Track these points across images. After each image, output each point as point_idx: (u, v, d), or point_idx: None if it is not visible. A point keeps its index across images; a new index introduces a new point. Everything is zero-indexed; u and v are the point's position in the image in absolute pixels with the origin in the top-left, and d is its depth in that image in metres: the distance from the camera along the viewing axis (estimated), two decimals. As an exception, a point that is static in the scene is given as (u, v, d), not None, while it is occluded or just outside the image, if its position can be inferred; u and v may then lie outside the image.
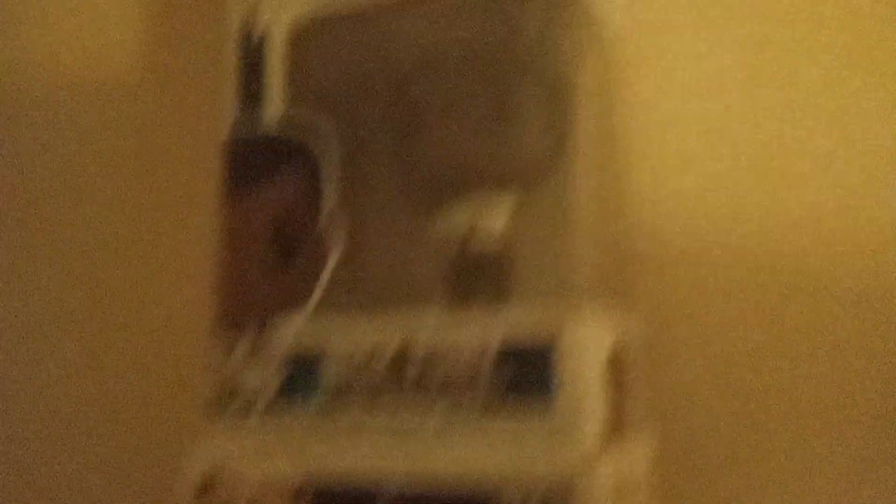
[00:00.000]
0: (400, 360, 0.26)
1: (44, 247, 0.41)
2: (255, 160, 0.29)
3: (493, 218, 0.28)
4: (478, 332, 0.25)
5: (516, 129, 0.28)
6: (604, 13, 0.29)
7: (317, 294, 0.27)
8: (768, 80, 0.32)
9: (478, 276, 0.28)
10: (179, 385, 0.37)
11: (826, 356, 0.29)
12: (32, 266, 0.41)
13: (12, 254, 0.42)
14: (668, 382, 0.30)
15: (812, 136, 0.31)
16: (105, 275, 0.40)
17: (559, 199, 0.26)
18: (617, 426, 0.25)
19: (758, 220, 0.31)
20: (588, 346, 0.24)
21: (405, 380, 0.25)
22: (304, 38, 0.30)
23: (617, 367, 0.26)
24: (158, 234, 0.38)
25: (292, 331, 0.27)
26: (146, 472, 0.36)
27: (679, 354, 0.30)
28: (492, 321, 0.25)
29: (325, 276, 0.27)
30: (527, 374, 0.24)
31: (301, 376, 0.27)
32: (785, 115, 0.31)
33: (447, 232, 0.29)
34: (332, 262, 0.28)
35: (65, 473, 0.38)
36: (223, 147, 0.30)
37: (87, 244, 0.40)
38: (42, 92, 0.43)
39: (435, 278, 0.28)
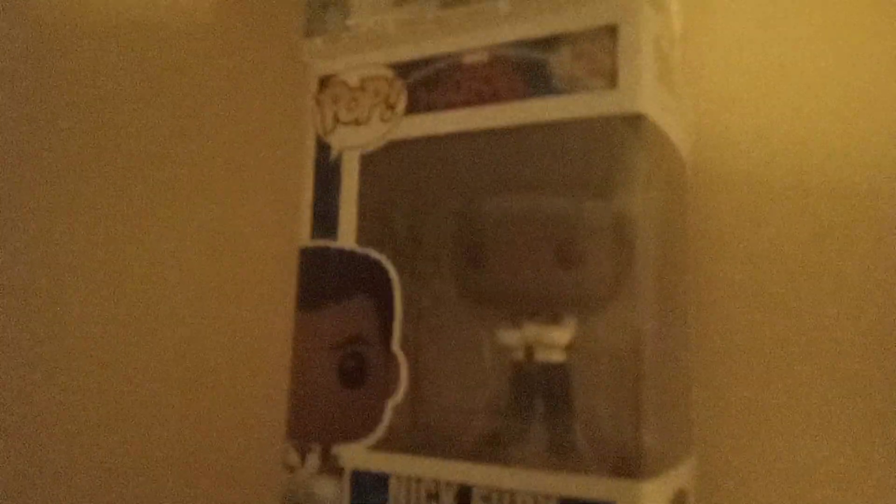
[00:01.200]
0: (465, 497, 0.25)
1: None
2: (332, 273, 0.29)
3: (556, 336, 0.28)
4: (544, 483, 0.24)
5: (579, 265, 0.27)
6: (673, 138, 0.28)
7: (385, 419, 0.26)
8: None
9: (540, 389, 0.28)
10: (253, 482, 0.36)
11: None
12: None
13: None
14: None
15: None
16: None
17: (620, 326, 0.26)
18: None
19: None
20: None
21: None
22: (375, 164, 0.29)
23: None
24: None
25: (361, 452, 0.27)
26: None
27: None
28: (558, 476, 0.24)
29: (395, 401, 0.26)
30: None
31: (370, 495, 0.26)
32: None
33: (511, 347, 0.28)
34: (401, 389, 0.26)
35: None
36: (300, 255, 0.29)
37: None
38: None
39: (499, 392, 0.28)
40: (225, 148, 0.40)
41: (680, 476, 0.27)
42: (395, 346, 0.27)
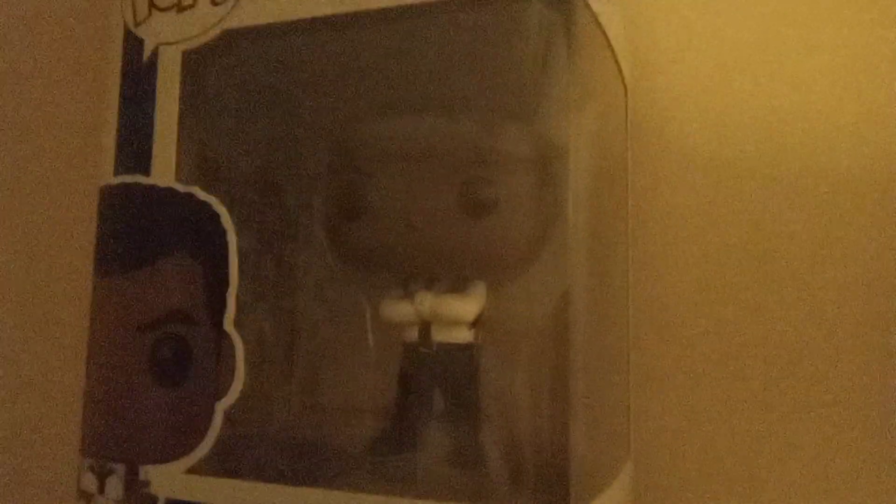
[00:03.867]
0: None
1: None
2: (141, 223, 0.20)
3: (460, 309, 0.20)
4: None
5: (494, 210, 0.20)
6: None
7: (213, 429, 0.18)
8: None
9: (439, 377, 0.20)
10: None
11: None
12: None
13: None
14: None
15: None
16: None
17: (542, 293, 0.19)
18: None
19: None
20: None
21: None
22: (205, 66, 0.20)
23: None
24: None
25: (179, 476, 0.18)
26: None
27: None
28: None
29: (226, 402, 0.18)
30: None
31: None
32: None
33: (401, 324, 0.20)
34: (236, 386, 0.18)
35: None
36: (100, 196, 0.21)
37: None
38: None
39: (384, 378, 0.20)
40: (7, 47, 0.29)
41: (617, 490, 0.20)
42: (229, 324, 0.19)
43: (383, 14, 0.18)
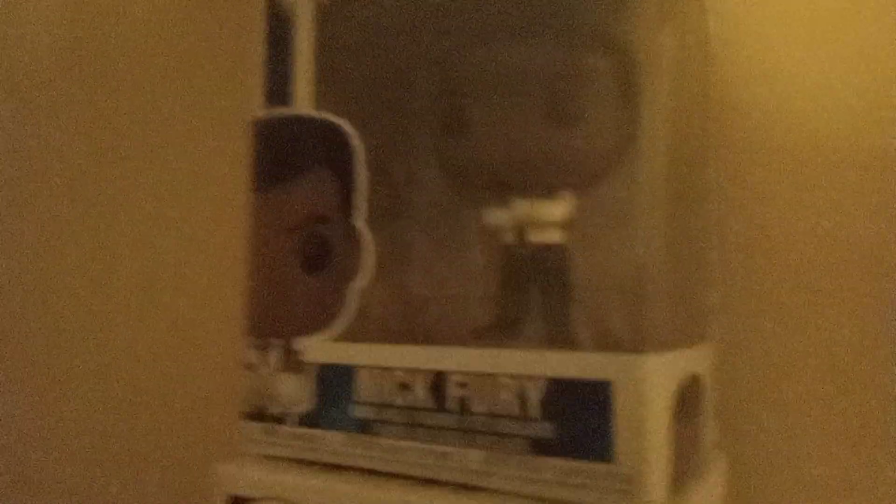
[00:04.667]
0: (440, 385, 0.21)
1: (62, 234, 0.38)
2: (286, 146, 0.25)
3: (551, 213, 0.23)
4: (529, 364, 0.20)
5: (578, 123, 0.23)
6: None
7: (350, 306, 0.23)
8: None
9: (534, 273, 0.23)
10: (214, 385, 0.33)
11: None
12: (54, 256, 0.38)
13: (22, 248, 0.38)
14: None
15: None
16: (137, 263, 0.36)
17: (624, 201, 0.22)
18: (685, 468, 0.21)
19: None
20: (653, 384, 0.19)
21: (446, 406, 0.21)
22: (334, 15, 0.25)
23: (686, 402, 0.21)
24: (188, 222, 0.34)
25: (325, 344, 0.23)
26: (179, 476, 0.33)
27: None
28: (544, 355, 0.20)
29: (359, 284, 0.23)
30: (582, 412, 0.19)
31: (336, 389, 0.23)
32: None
33: (500, 228, 0.24)
34: (366, 271, 0.22)
35: (92, 477, 0.36)
36: (251, 128, 0.25)
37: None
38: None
39: (487, 275, 0.24)
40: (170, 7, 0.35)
41: (693, 360, 0.23)
42: (359, 221, 0.23)
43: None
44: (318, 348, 0.23)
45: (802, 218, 0.28)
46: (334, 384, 0.23)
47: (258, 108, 0.26)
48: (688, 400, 0.22)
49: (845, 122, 0.28)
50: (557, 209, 0.25)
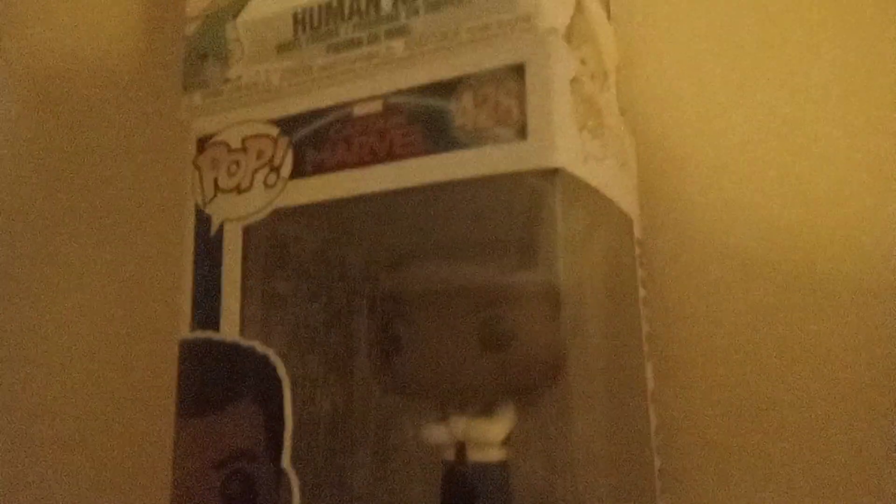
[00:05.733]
0: None
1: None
2: (213, 372, 0.24)
3: (489, 432, 0.23)
4: None
5: (508, 341, 0.22)
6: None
7: None
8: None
9: (475, 492, 0.23)
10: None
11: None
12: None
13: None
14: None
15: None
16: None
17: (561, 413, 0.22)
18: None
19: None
20: None
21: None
22: (260, 236, 0.25)
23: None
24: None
25: None
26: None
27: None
28: None
29: None
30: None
31: None
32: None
33: (439, 446, 0.23)
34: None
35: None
36: (179, 349, 0.25)
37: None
38: None
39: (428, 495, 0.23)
40: (98, 219, 0.35)
41: None
42: (286, 462, 0.22)
43: (413, 190, 0.22)
44: None
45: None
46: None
47: (185, 329, 0.25)
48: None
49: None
50: (495, 428, 0.24)
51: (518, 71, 0.20)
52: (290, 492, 0.22)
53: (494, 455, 0.24)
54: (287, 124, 0.24)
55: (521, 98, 0.20)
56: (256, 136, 0.25)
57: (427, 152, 0.21)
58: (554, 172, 0.20)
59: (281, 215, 0.24)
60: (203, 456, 0.23)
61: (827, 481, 0.26)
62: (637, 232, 0.28)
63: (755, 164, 0.29)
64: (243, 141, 0.25)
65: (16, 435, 0.36)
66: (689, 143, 0.31)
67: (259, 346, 0.23)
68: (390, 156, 0.22)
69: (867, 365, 0.27)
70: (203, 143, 0.26)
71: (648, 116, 0.31)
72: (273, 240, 0.25)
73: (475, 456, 0.24)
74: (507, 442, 0.25)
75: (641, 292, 0.29)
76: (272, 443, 0.22)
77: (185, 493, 0.23)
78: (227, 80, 0.25)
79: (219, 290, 0.24)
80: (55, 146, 0.38)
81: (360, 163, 0.22)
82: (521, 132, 0.20)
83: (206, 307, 0.24)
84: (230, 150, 0.25)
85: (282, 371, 0.23)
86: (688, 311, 0.30)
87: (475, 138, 0.20)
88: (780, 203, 0.29)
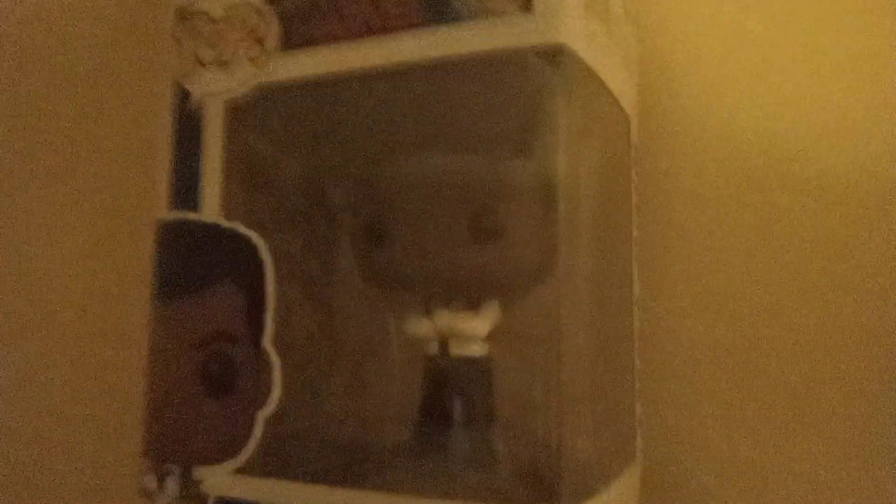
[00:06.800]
0: None
1: None
2: (192, 255, 0.23)
3: (473, 327, 0.23)
4: None
5: (500, 238, 0.22)
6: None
7: (256, 435, 0.21)
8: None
9: (457, 386, 0.23)
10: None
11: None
12: None
13: None
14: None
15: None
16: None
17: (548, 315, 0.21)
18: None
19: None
20: None
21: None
22: (246, 116, 0.23)
23: None
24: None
25: (228, 476, 0.21)
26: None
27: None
28: None
29: (267, 412, 0.21)
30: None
31: None
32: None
33: (422, 339, 0.23)
34: (274, 398, 0.21)
35: None
36: (155, 231, 0.23)
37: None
38: None
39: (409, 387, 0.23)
40: (69, 95, 0.33)
41: (618, 494, 0.22)
42: (267, 342, 0.21)
43: (404, 67, 0.20)
44: (220, 480, 0.21)
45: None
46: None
47: (163, 209, 0.24)
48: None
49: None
50: (480, 323, 0.24)
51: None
52: (270, 373, 0.21)
53: (477, 350, 0.24)
54: (273, -6, 0.22)
55: (528, -33, 0.18)
56: (240, 5, 0.23)
57: (424, 24, 0.20)
58: (558, 51, 0.19)
59: (266, 92, 0.22)
60: (181, 337, 0.23)
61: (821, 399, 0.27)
62: (634, 134, 0.27)
63: (761, 77, 0.29)
64: (227, 10, 0.23)
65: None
66: (693, 45, 0.29)
67: (241, 227, 0.22)
68: (385, 28, 0.20)
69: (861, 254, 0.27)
70: (182, 13, 0.24)
71: (651, 17, 0.30)
72: (257, 118, 0.23)
73: (458, 350, 0.24)
74: (490, 337, 0.24)
75: (634, 198, 0.28)
76: (254, 324, 0.22)
77: (162, 375, 0.23)
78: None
79: (198, 169, 0.23)
80: (28, 12, 0.35)
81: (352, 35, 0.21)
82: (526, 4, 0.18)
83: (186, 187, 0.23)
84: (212, 19, 0.23)
85: (264, 254, 0.22)
86: (677, 219, 0.29)
87: (476, 10, 0.19)
88: (785, 119, 0.28)
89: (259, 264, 0.22)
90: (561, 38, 0.18)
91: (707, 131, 0.29)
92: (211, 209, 0.23)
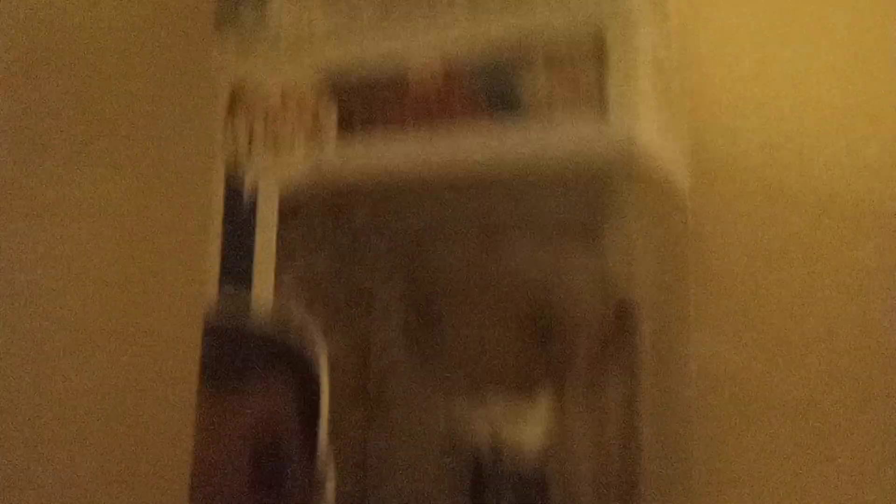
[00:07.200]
0: None
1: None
2: (239, 354, 0.23)
3: (523, 429, 0.22)
4: None
5: (558, 332, 0.21)
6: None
7: None
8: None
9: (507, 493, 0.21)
10: None
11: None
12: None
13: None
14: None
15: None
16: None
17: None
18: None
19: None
20: None
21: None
22: (297, 205, 0.23)
23: None
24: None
25: None
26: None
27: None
28: None
29: None
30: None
31: None
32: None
33: (468, 443, 0.22)
34: (329, 496, 0.20)
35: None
36: (204, 333, 0.23)
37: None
38: None
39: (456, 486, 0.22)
40: (123, 176, 0.33)
41: None
42: (322, 436, 0.21)
43: (467, 166, 0.20)
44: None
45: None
46: None
47: (212, 287, 0.23)
48: None
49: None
50: (532, 429, 0.23)
51: (598, 38, 0.18)
52: (325, 469, 0.20)
53: (530, 454, 0.23)
54: (333, 78, 0.22)
55: (602, 69, 0.18)
56: (298, 89, 0.23)
57: (489, 118, 0.19)
58: (632, 157, 0.18)
59: (321, 178, 0.22)
60: (231, 427, 0.22)
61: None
62: (690, 219, 0.27)
63: (814, 134, 0.28)
64: (283, 93, 0.23)
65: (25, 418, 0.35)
66: (745, 106, 0.29)
67: (296, 314, 0.22)
68: (448, 119, 0.20)
69: None
70: (237, 94, 0.24)
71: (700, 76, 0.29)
72: (311, 207, 0.23)
73: (509, 444, 0.23)
74: (546, 434, 0.23)
75: (692, 288, 0.27)
76: (305, 415, 0.21)
77: (208, 468, 0.22)
78: (265, 24, 0.23)
79: (251, 255, 0.23)
80: (71, 89, 0.35)
81: (414, 122, 0.20)
82: (601, 107, 0.18)
83: (237, 272, 0.23)
84: (268, 102, 0.23)
85: (320, 344, 0.21)
86: (737, 287, 0.28)
87: (546, 110, 0.18)
88: (839, 174, 0.27)
89: (313, 351, 0.21)
90: (638, 144, 0.18)
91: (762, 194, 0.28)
92: (263, 295, 0.22)
